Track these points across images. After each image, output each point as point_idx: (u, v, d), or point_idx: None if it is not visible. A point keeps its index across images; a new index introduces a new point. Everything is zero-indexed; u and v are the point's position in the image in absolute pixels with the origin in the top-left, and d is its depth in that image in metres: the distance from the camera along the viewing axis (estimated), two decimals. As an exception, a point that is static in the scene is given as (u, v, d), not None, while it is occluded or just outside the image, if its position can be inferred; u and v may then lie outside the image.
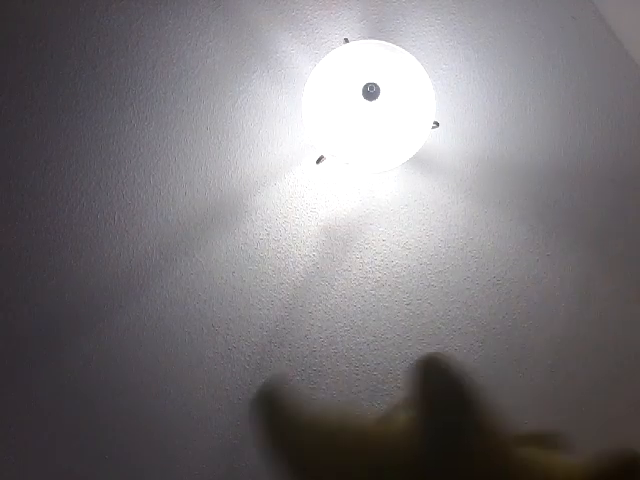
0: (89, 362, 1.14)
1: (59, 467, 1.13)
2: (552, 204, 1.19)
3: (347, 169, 1.16)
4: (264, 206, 1.16)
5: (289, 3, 1.17)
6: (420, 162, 1.16)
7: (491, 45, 1.19)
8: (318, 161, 1.11)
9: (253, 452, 1.15)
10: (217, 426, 1.16)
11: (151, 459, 1.15)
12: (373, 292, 1.17)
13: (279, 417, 0.34)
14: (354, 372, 1.16)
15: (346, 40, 1.05)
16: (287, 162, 1.16)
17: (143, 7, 1.15)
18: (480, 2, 1.19)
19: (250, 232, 1.16)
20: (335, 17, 1.18)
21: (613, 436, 1.18)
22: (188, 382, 1.15)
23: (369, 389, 1.16)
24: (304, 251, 1.16)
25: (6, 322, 1.13)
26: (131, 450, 1.15)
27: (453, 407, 0.31)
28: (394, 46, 0.97)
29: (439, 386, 0.32)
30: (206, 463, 1.16)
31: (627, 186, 1.20)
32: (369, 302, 1.17)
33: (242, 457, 1.16)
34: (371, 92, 0.93)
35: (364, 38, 1.16)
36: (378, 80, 0.94)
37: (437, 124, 1.07)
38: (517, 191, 1.18)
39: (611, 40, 1.20)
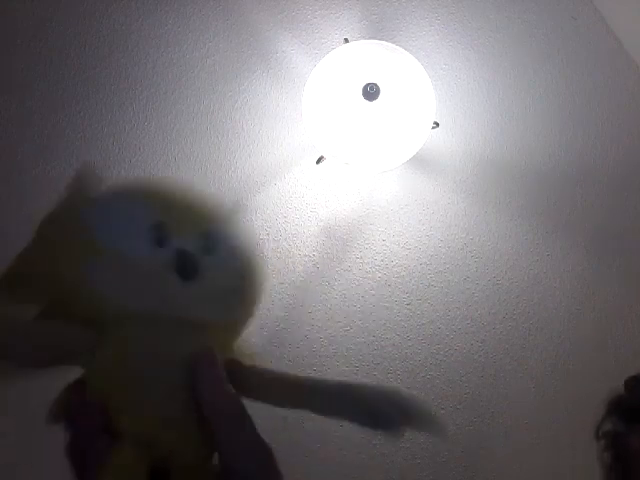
0: (89, 362, 1.14)
1: (59, 466, 1.13)
2: (552, 204, 1.19)
3: (347, 169, 1.16)
4: (264, 206, 1.16)
5: (289, 3, 1.17)
6: (420, 162, 1.16)
7: (491, 45, 1.19)
8: (318, 161, 1.11)
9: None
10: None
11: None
12: (373, 292, 1.17)
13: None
14: (354, 372, 1.16)
15: (346, 40, 1.05)
16: (287, 162, 1.16)
17: (143, 7, 1.15)
18: (480, 2, 1.19)
19: (250, 232, 1.15)
20: (335, 17, 1.17)
21: (613, 436, 1.18)
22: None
23: (369, 389, 1.16)
24: (304, 251, 1.16)
25: (6, 322, 1.12)
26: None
27: None
28: (394, 46, 0.97)
29: None
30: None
31: (627, 186, 1.20)
32: (369, 302, 1.17)
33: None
34: (371, 92, 0.93)
35: (364, 38, 1.16)
36: (378, 80, 0.94)
37: (437, 124, 1.07)
38: (517, 191, 1.18)
39: (611, 40, 1.20)
